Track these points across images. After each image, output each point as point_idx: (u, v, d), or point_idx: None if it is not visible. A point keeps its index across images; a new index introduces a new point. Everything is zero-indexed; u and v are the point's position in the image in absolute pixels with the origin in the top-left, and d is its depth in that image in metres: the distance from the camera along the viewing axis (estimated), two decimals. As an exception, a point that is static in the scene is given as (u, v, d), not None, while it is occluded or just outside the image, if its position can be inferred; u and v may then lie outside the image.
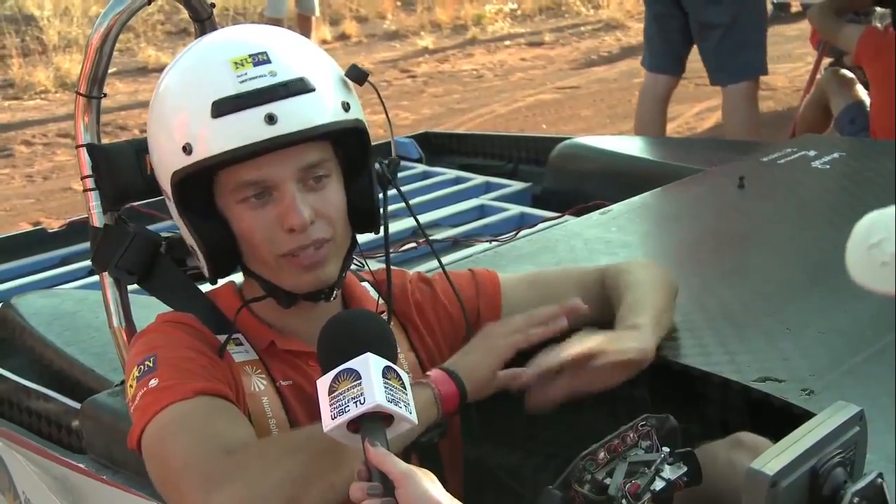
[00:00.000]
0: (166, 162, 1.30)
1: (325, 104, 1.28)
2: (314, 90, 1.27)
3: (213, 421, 1.22)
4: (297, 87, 1.26)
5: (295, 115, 1.25)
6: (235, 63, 1.25)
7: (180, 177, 1.28)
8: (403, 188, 3.24)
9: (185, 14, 1.64)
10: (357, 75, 1.36)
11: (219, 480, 1.14)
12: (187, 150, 1.26)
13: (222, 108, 1.24)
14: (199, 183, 1.30)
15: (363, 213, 1.37)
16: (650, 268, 1.62)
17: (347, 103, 1.31)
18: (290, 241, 1.29)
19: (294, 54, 1.30)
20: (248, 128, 1.23)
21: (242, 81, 1.24)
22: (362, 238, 1.44)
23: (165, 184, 1.31)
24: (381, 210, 1.39)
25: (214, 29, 1.64)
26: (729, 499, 1.19)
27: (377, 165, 1.39)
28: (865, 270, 0.51)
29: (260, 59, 1.26)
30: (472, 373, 1.35)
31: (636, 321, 1.45)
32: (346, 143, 1.34)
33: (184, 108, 1.28)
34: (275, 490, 1.13)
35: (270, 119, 1.23)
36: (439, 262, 1.51)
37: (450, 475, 1.43)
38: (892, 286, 0.50)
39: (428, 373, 1.35)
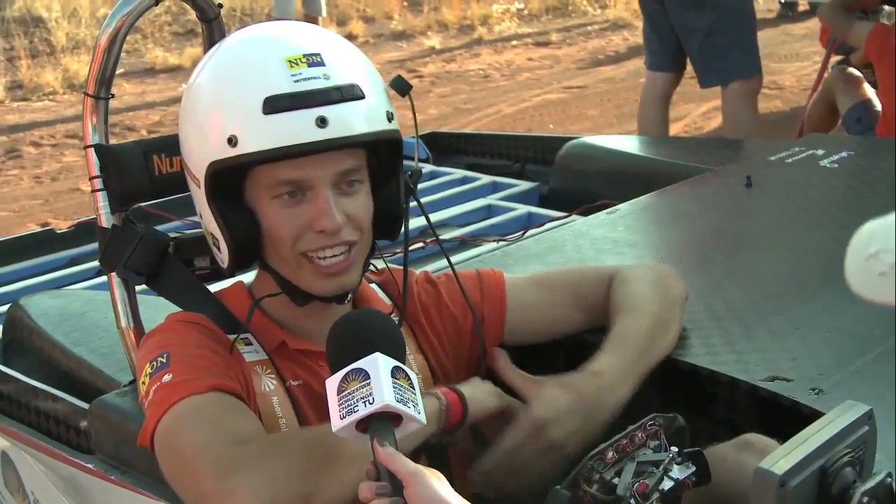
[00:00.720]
0: (204, 151, 1.29)
1: (373, 112, 1.29)
2: (364, 97, 1.28)
3: (227, 414, 1.23)
4: (350, 94, 1.26)
5: (345, 120, 1.25)
6: (290, 62, 1.25)
7: (219, 167, 1.27)
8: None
9: (192, 15, 1.65)
10: (401, 87, 1.38)
11: (236, 468, 1.14)
12: (232, 141, 1.25)
13: (275, 105, 1.24)
14: (233, 175, 1.29)
15: (388, 221, 1.38)
16: (655, 282, 1.56)
17: (391, 113, 1.32)
18: (316, 240, 1.29)
19: (347, 60, 1.30)
20: (298, 128, 1.24)
21: (297, 81, 1.24)
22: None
23: (198, 171, 1.30)
24: (405, 221, 1.40)
25: (222, 29, 1.64)
26: (737, 500, 1.18)
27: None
28: (864, 281, 0.52)
29: (314, 60, 1.26)
30: (476, 399, 1.35)
31: (598, 368, 1.41)
32: (381, 151, 1.35)
33: (232, 100, 1.27)
34: (289, 482, 1.14)
35: (322, 122, 1.24)
36: (450, 263, 1.51)
37: (458, 475, 1.43)
38: (891, 297, 0.50)
39: (436, 389, 1.35)
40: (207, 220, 1.33)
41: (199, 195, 1.33)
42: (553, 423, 1.35)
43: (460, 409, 1.32)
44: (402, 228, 1.40)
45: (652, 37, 4.21)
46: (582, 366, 1.42)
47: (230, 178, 1.29)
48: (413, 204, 1.41)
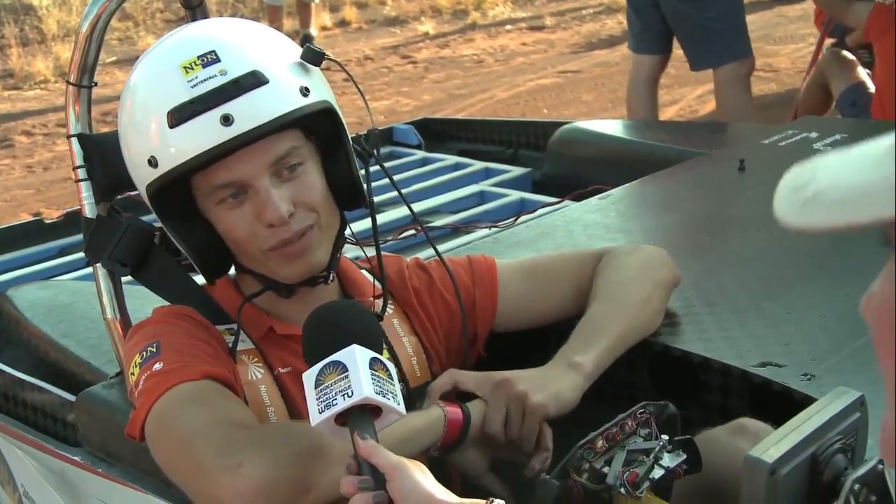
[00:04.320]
0: (138, 175, 1.30)
1: (281, 94, 1.25)
2: (268, 82, 1.24)
3: (224, 400, 1.22)
4: (250, 82, 1.23)
5: (251, 111, 1.22)
6: (185, 68, 1.23)
7: (154, 189, 1.27)
8: (403, 174, 3.24)
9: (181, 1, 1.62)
10: (312, 57, 1.31)
11: (240, 445, 1.13)
12: (153, 163, 1.25)
13: (178, 115, 1.22)
14: (177, 190, 1.28)
15: (346, 192, 1.35)
16: (639, 266, 1.54)
17: (306, 87, 1.27)
18: (273, 235, 1.27)
19: (245, 47, 1.27)
20: (205, 133, 1.21)
21: (194, 86, 1.22)
22: (359, 226, 1.43)
23: (144, 196, 1.30)
24: (367, 187, 1.37)
25: (206, 15, 1.62)
26: (731, 485, 1.17)
27: (358, 144, 1.37)
28: (790, 211, 0.54)
29: (208, 58, 1.23)
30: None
31: (574, 359, 1.38)
32: (317, 126, 1.32)
33: (143, 122, 1.27)
34: (291, 467, 1.13)
35: (226, 120, 1.21)
36: (435, 250, 1.50)
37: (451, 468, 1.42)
38: (815, 221, 0.52)
39: (448, 406, 1.32)
40: (171, 238, 1.34)
41: (154, 217, 1.34)
42: (518, 379, 1.33)
43: (460, 422, 1.30)
44: (369, 200, 1.37)
45: (635, 20, 4.20)
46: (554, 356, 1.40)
47: (175, 194, 1.28)
48: (401, 176, 1.39)
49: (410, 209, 1.50)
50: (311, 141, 1.32)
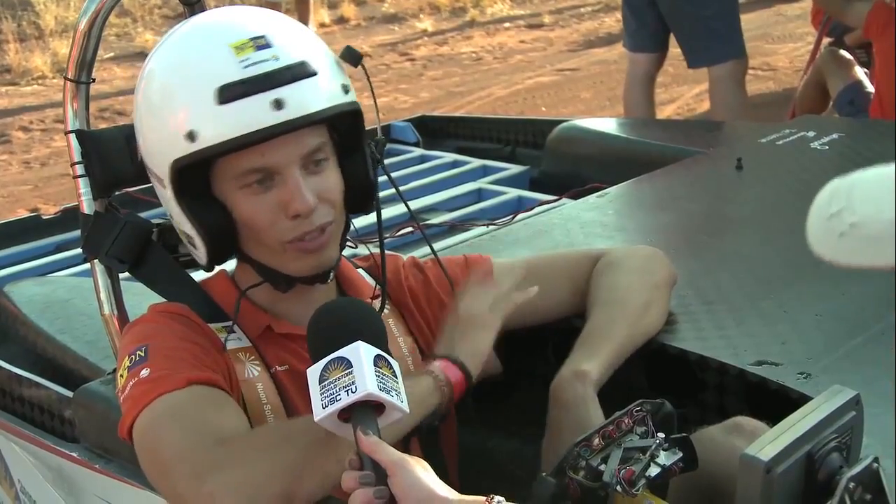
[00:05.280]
0: (164, 150, 1.26)
1: (326, 88, 1.26)
2: (316, 74, 1.25)
3: (204, 411, 1.21)
4: (301, 72, 1.24)
5: (300, 99, 1.23)
6: (236, 47, 1.23)
7: (183, 164, 1.25)
8: (400, 172, 3.24)
9: (180, -3, 1.62)
10: (352, 57, 1.34)
11: (211, 470, 1.13)
12: (192, 137, 1.22)
13: (229, 93, 1.21)
14: (198, 169, 1.27)
15: (360, 195, 1.36)
16: (639, 269, 1.55)
17: (346, 86, 1.30)
18: (295, 227, 1.27)
19: (292, 38, 1.28)
20: (255, 113, 1.21)
21: (246, 66, 1.22)
22: (357, 222, 1.43)
23: (161, 171, 1.28)
24: (374, 192, 1.38)
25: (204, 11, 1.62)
26: (727, 483, 1.18)
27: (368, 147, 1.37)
28: (825, 242, 0.50)
29: (261, 43, 1.24)
30: (474, 356, 1.34)
31: (582, 367, 1.39)
32: (342, 125, 1.33)
33: (184, 95, 1.25)
34: (268, 479, 1.12)
35: (278, 104, 1.21)
36: (432, 249, 1.50)
37: (447, 461, 1.43)
38: (850, 258, 0.48)
39: (435, 362, 1.33)
40: (178, 219, 1.31)
41: (165, 195, 1.30)
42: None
43: (462, 378, 1.31)
44: (375, 203, 1.38)
45: (631, 18, 4.20)
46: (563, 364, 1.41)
47: (195, 173, 1.27)
48: (385, 178, 1.40)
49: (409, 210, 1.50)
50: (332, 140, 1.32)
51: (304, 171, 1.27)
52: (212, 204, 1.29)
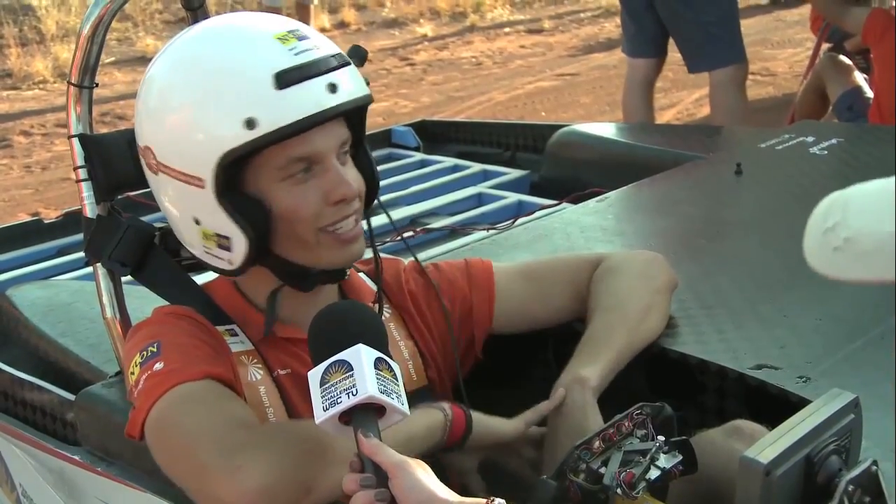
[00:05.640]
0: (211, 144, 1.23)
1: (360, 77, 1.31)
2: (350, 64, 1.30)
3: (225, 400, 1.22)
4: (343, 60, 1.29)
5: (349, 84, 1.27)
6: (280, 38, 1.25)
7: (237, 155, 1.23)
8: (401, 176, 3.24)
9: (180, 2, 1.63)
10: (360, 55, 1.38)
11: (241, 446, 1.13)
12: (251, 124, 1.21)
13: (286, 79, 1.22)
14: (235, 166, 1.25)
15: (369, 189, 1.37)
16: (640, 274, 1.56)
17: (366, 79, 1.33)
18: (335, 212, 1.29)
19: (317, 34, 1.32)
20: (313, 97, 1.23)
21: (297, 53, 1.24)
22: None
23: (202, 169, 1.24)
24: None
25: (206, 17, 1.63)
26: (727, 486, 1.18)
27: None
28: (820, 256, 0.50)
29: (299, 35, 1.27)
30: (483, 421, 1.35)
31: (581, 373, 1.39)
32: (355, 119, 1.35)
33: (237, 85, 1.23)
34: (291, 468, 1.13)
35: (332, 88, 1.24)
36: (419, 260, 1.51)
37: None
38: (845, 273, 0.48)
39: (445, 403, 1.34)
40: (214, 221, 1.27)
41: (198, 197, 1.26)
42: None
43: (462, 427, 1.32)
44: (378, 203, 1.41)
45: (630, 23, 4.20)
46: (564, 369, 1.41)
47: (232, 171, 1.25)
48: (394, 181, 1.42)
49: (390, 219, 1.50)
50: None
51: (338, 161, 1.30)
52: (250, 201, 1.27)
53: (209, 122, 1.24)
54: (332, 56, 1.27)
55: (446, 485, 1.04)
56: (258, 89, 1.22)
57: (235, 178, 1.26)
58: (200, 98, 1.25)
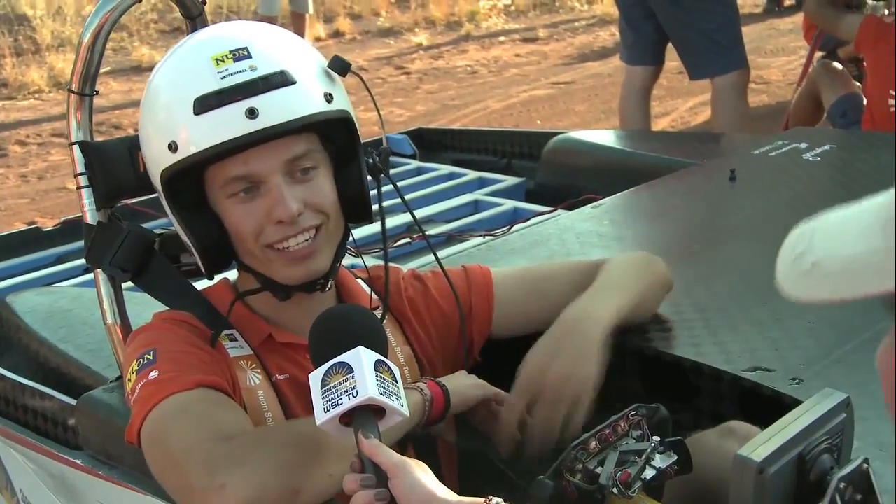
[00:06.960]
0: (155, 160, 1.31)
1: (306, 96, 1.28)
2: (295, 83, 1.27)
3: (213, 410, 1.24)
4: (278, 81, 1.26)
5: (276, 108, 1.25)
6: (217, 59, 1.26)
7: (168, 174, 1.29)
8: (398, 184, 3.25)
9: (178, 12, 1.65)
10: (339, 66, 1.35)
11: (224, 463, 1.15)
12: (172, 147, 1.27)
13: (204, 104, 1.25)
14: (190, 179, 1.31)
15: (354, 204, 1.37)
16: (638, 265, 1.59)
17: (330, 94, 1.31)
18: (277, 231, 1.30)
19: (275, 48, 1.31)
20: (229, 123, 1.24)
21: (223, 77, 1.25)
22: (358, 234, 1.45)
23: (155, 180, 1.33)
24: (378, 202, 1.40)
25: (206, 26, 1.64)
26: (721, 485, 1.20)
27: (370, 157, 1.40)
28: (790, 280, 0.54)
29: (240, 54, 1.27)
30: (458, 389, 1.37)
31: (594, 310, 1.44)
32: (333, 134, 1.35)
33: (168, 107, 1.30)
34: (278, 475, 1.15)
35: (251, 113, 1.24)
36: (436, 257, 1.52)
37: (445, 465, 1.45)
38: (812, 294, 0.52)
39: (420, 382, 1.36)
40: (175, 226, 1.36)
41: (163, 202, 1.35)
42: (544, 370, 1.38)
43: (443, 402, 1.34)
44: (380, 212, 1.41)
45: (628, 31, 4.22)
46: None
47: (188, 184, 1.31)
48: (389, 189, 1.42)
49: (414, 217, 1.52)
50: (326, 149, 1.34)
51: (290, 179, 1.29)
52: (206, 214, 1.32)
53: (150, 140, 1.33)
54: (264, 78, 1.25)
55: (458, 486, 1.06)
56: (179, 114, 1.27)
57: (194, 190, 1.32)
58: (147, 117, 1.34)
